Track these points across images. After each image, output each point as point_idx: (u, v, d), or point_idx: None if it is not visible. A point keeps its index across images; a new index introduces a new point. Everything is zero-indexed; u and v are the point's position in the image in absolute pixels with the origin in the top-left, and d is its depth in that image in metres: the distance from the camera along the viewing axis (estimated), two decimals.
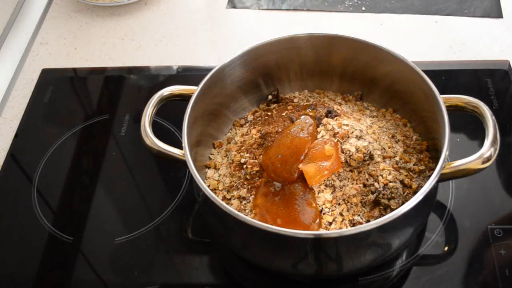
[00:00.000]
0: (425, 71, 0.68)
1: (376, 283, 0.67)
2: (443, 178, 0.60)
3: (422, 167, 0.67)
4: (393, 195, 0.63)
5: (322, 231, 0.60)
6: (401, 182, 0.65)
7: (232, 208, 0.58)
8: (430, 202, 0.67)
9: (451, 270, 0.67)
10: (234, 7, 1.05)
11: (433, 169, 0.59)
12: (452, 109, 0.65)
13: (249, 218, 0.57)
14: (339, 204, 0.63)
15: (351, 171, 0.65)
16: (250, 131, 0.72)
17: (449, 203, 0.73)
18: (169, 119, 0.85)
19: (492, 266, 0.66)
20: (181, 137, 0.64)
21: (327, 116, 0.70)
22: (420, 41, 0.96)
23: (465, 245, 0.69)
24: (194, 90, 0.69)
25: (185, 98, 0.69)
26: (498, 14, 0.98)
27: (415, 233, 0.65)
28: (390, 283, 0.67)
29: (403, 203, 0.62)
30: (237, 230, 0.63)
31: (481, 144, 0.61)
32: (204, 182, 0.63)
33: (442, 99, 0.64)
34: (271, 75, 0.78)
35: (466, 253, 0.68)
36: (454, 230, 0.70)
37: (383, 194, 0.63)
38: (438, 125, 0.64)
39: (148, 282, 0.69)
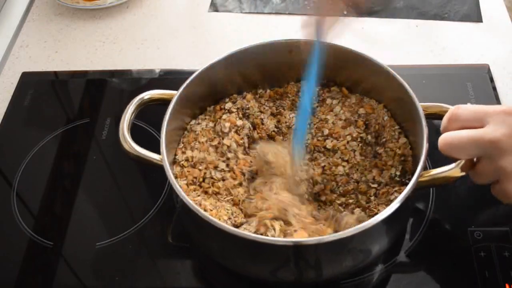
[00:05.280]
0: (406, 76, 0.68)
1: None
2: (421, 186, 0.60)
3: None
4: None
5: (301, 239, 0.59)
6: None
7: (208, 215, 0.57)
8: (408, 209, 0.67)
9: (432, 273, 0.67)
10: (216, 10, 1.05)
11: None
12: (432, 117, 0.65)
13: (226, 226, 0.57)
14: None
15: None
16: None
17: (429, 206, 0.73)
18: (151, 123, 0.84)
19: (472, 268, 0.67)
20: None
21: None
22: (401, 45, 0.96)
23: (445, 248, 0.70)
24: (174, 94, 0.69)
25: (165, 102, 0.69)
26: (478, 19, 0.99)
27: (395, 239, 0.65)
28: (370, 287, 0.67)
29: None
30: (214, 237, 0.62)
31: None
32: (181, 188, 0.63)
33: (422, 107, 0.64)
34: (252, 79, 0.77)
35: (446, 256, 0.69)
36: (434, 233, 0.71)
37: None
38: (417, 135, 0.65)
39: (129, 287, 0.69)
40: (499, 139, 0.54)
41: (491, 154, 0.56)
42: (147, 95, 0.70)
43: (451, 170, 0.60)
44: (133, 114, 0.68)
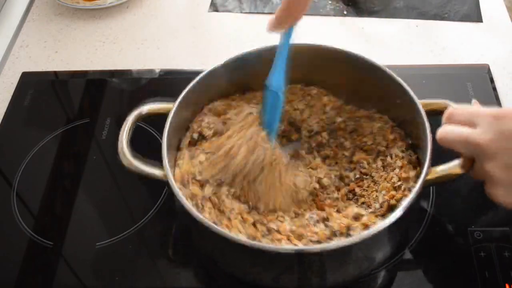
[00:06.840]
0: (406, 76, 0.68)
1: None
2: (426, 184, 0.60)
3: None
4: None
5: (304, 246, 0.59)
6: None
7: (213, 224, 0.57)
8: (413, 211, 0.67)
9: (432, 273, 0.67)
10: (216, 10, 1.05)
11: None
12: (434, 114, 0.65)
13: (230, 233, 0.57)
14: None
15: None
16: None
17: (429, 206, 0.73)
18: (151, 123, 0.84)
19: (472, 268, 0.67)
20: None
21: None
22: (401, 45, 0.96)
23: (445, 248, 0.70)
24: (171, 108, 0.67)
25: (165, 114, 0.68)
26: (478, 19, 0.99)
27: (400, 243, 0.66)
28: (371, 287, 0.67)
29: None
30: (218, 245, 0.62)
31: None
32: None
33: (422, 104, 0.64)
34: (253, 84, 0.76)
35: (446, 256, 0.69)
36: (434, 233, 0.71)
37: None
38: (419, 130, 0.65)
39: (129, 287, 0.69)
40: (484, 143, 0.55)
41: (478, 156, 0.56)
42: (145, 110, 0.68)
43: (454, 166, 0.60)
44: (131, 129, 0.67)
